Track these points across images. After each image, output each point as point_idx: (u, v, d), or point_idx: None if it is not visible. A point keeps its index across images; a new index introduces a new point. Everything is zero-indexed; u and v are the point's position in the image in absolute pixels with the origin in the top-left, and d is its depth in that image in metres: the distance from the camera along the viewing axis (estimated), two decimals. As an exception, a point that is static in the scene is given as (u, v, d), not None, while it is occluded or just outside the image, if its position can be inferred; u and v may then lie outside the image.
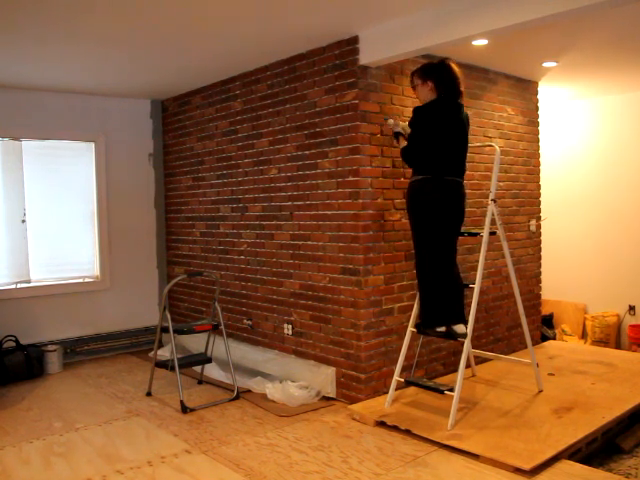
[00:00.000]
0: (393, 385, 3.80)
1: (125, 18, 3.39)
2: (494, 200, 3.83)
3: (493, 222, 3.81)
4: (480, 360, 4.59)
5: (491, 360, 4.58)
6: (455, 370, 4.08)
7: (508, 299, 4.93)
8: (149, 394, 4.36)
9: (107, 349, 5.63)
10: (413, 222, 3.68)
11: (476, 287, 3.66)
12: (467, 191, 4.24)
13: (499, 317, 4.92)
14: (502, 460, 2.97)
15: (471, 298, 3.67)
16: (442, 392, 3.54)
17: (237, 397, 4.17)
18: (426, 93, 3.63)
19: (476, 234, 3.95)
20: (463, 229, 3.84)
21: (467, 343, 3.57)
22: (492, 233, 3.84)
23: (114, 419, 3.86)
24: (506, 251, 3.95)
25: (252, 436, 3.50)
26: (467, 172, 4.52)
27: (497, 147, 3.95)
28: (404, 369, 4.16)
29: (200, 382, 4.60)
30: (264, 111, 4.62)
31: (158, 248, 6.01)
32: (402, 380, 3.80)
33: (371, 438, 3.42)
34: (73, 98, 5.41)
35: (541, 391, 4.00)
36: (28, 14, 3.26)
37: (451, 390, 3.50)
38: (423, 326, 3.73)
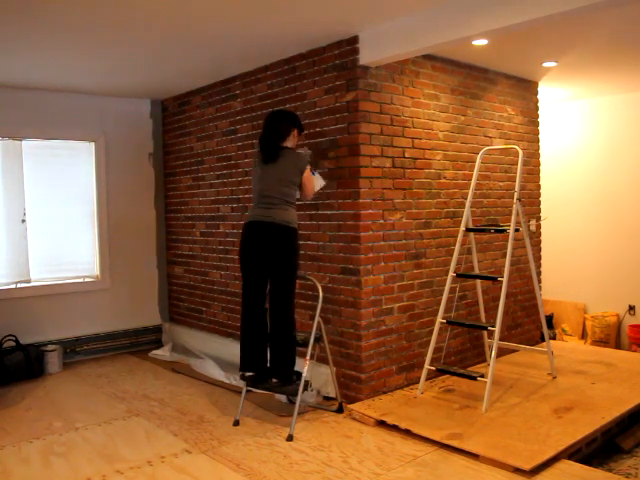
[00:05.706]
0: (424, 374, 3.99)
1: (125, 18, 3.39)
2: (520, 199, 4.02)
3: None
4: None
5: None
6: (469, 365, 4.64)
7: (507, 299, 4.91)
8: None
9: (107, 349, 5.63)
10: (288, 263, 3.58)
11: (504, 281, 3.83)
12: (462, 191, 4.30)
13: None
14: (502, 460, 2.98)
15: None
16: (475, 378, 3.74)
17: (340, 410, 3.84)
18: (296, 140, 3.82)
19: (503, 230, 4.07)
20: (487, 226, 4.35)
21: (497, 334, 3.70)
22: (515, 230, 4.00)
23: (114, 419, 3.86)
24: (528, 247, 4.19)
25: (252, 436, 3.50)
26: (460, 172, 4.56)
27: (520, 150, 4.08)
28: (403, 368, 4.17)
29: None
30: (264, 111, 4.61)
31: (158, 248, 6.01)
32: (433, 369, 3.95)
33: (371, 438, 3.42)
34: (73, 98, 5.41)
35: (555, 377, 4.27)
36: (28, 13, 3.26)
37: (482, 376, 3.70)
38: (283, 380, 3.62)
